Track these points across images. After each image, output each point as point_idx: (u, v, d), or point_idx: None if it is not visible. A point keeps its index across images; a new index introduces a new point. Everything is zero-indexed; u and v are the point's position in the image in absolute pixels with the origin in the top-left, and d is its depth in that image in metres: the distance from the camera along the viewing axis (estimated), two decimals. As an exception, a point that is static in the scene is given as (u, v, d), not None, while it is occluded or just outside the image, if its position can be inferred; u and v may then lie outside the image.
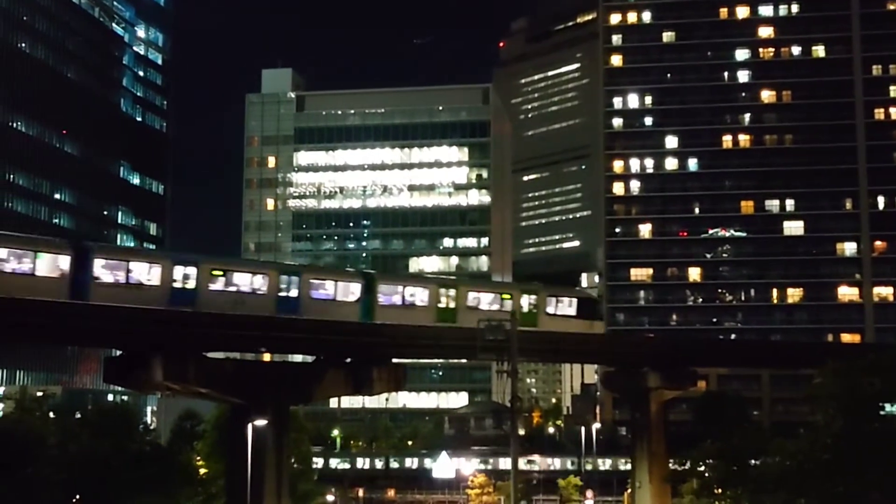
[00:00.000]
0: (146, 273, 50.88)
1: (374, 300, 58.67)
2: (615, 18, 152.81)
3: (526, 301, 63.99)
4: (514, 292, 65.27)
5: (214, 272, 52.85)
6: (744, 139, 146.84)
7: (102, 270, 49.63)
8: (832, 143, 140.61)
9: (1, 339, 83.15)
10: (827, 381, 51.68)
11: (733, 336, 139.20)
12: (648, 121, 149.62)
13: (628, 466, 79.37)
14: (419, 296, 61.02)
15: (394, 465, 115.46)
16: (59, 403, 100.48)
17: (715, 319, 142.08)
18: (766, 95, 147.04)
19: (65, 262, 47.92)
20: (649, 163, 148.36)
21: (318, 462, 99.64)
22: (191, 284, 51.43)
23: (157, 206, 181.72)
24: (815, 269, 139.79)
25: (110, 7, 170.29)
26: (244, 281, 53.99)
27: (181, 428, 78.59)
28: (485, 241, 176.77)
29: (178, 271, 51.30)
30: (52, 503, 55.77)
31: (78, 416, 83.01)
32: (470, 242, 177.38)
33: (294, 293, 55.50)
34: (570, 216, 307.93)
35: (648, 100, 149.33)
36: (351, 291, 58.40)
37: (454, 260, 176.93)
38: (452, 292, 62.20)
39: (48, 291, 46.22)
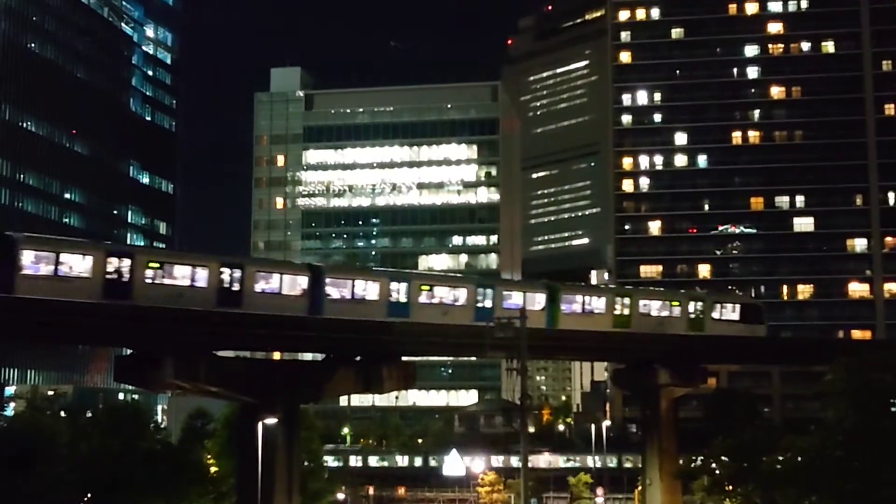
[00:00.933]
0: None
1: (558, 309, 63.05)
2: (624, 15, 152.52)
3: (693, 307, 69.13)
4: (683, 299, 70.42)
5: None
6: (753, 135, 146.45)
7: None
8: (842, 139, 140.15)
9: (15, 340, 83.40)
10: (838, 377, 51.55)
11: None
12: (657, 117, 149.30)
13: (639, 464, 79.32)
14: (596, 304, 65.68)
15: (404, 462, 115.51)
16: (70, 402, 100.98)
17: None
18: (776, 91, 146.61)
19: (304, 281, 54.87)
20: (658, 159, 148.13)
21: (329, 460, 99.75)
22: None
23: (166, 205, 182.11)
24: (826, 266, 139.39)
25: (119, 7, 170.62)
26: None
27: (192, 426, 78.72)
28: (494, 238, 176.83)
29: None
30: (64, 502, 55.96)
31: (89, 415, 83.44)
32: (479, 240, 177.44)
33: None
34: (580, 213, 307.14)
35: (657, 96, 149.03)
36: (537, 301, 62.42)
37: (463, 258, 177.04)
38: (627, 301, 66.82)
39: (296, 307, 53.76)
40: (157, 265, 49.80)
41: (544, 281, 72.09)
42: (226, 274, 51.44)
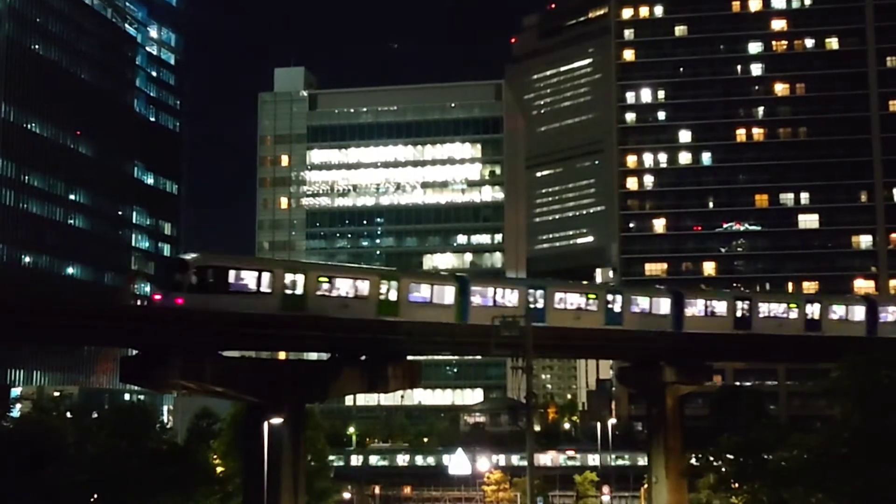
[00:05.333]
0: None
1: (682, 312, 67.50)
2: (627, 13, 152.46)
3: (810, 310, 72.52)
4: (799, 302, 74.51)
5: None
6: (758, 132, 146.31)
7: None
8: (847, 135, 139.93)
9: (24, 341, 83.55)
10: (844, 374, 51.40)
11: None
12: (661, 115, 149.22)
13: (645, 462, 79.21)
14: (719, 308, 69.52)
15: (410, 462, 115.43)
16: (76, 403, 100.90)
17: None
18: (780, 88, 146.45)
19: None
20: (663, 157, 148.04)
21: (335, 459, 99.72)
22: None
23: (171, 206, 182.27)
24: (831, 263, 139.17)
25: (123, 8, 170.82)
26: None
27: (198, 427, 78.80)
28: (498, 237, 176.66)
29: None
30: (71, 502, 56.03)
31: (95, 415, 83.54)
32: (484, 239, 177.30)
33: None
34: (584, 211, 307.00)
35: (661, 94, 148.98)
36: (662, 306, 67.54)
37: (468, 256, 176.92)
38: (747, 304, 70.31)
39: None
40: (325, 279, 54.98)
41: (671, 287, 77.82)
42: (384, 286, 56.85)
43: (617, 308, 65.16)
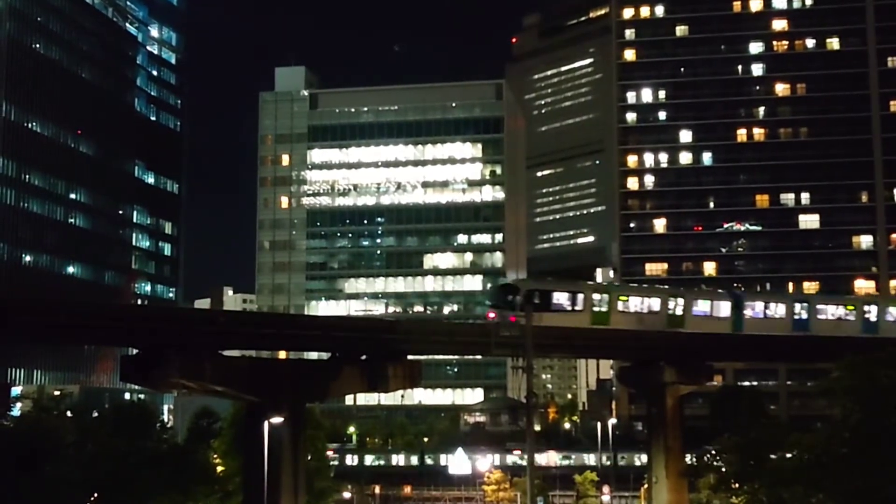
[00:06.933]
0: None
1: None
2: (628, 13, 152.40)
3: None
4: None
5: None
6: (758, 132, 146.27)
7: None
8: (847, 135, 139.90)
9: (23, 340, 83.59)
10: (844, 374, 51.38)
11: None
12: (662, 115, 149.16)
13: (645, 461, 79.21)
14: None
15: (410, 461, 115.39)
16: (76, 402, 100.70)
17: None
18: (781, 88, 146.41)
19: None
20: (663, 157, 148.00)
21: (336, 459, 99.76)
22: None
23: (171, 205, 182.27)
24: (831, 263, 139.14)
25: (124, 7, 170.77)
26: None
27: (198, 426, 78.81)
28: (499, 237, 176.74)
29: None
30: (71, 501, 56.03)
31: (95, 414, 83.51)
32: (484, 238, 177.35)
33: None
34: (585, 211, 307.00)
35: (662, 94, 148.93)
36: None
37: (468, 256, 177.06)
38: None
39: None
40: (625, 298, 64.78)
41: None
42: (672, 302, 66.19)
43: (873, 317, 72.46)
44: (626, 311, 63.88)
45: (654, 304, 65.95)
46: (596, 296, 62.86)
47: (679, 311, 66.59)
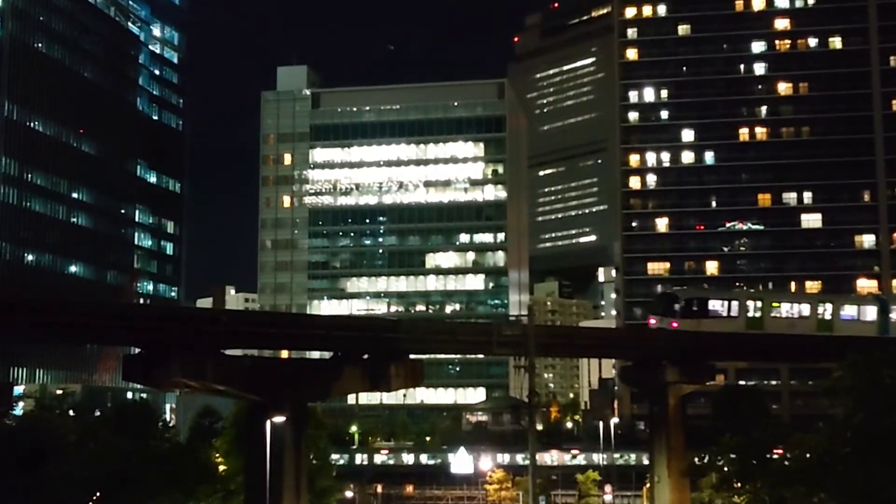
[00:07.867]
0: None
1: None
2: (630, 12, 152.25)
3: None
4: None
5: None
6: (760, 132, 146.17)
7: None
8: (850, 135, 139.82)
9: (26, 339, 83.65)
10: (846, 374, 51.35)
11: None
12: (664, 114, 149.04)
13: (647, 461, 79.22)
14: None
15: (412, 460, 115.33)
16: (78, 401, 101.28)
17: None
18: (783, 88, 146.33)
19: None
20: (665, 156, 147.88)
21: (337, 458, 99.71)
22: None
23: (174, 205, 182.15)
24: (834, 262, 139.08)
25: (126, 6, 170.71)
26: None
27: (200, 425, 78.92)
28: (501, 236, 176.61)
29: None
30: (73, 500, 56.05)
31: (97, 413, 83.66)
32: (486, 238, 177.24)
33: None
34: (587, 210, 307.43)
35: (664, 93, 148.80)
36: None
37: (470, 255, 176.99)
38: None
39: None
40: (777, 304, 70.87)
41: None
42: (821, 308, 71.59)
43: None
44: (778, 316, 69.37)
45: (805, 309, 71.08)
46: (750, 303, 68.81)
47: (828, 316, 71.41)
